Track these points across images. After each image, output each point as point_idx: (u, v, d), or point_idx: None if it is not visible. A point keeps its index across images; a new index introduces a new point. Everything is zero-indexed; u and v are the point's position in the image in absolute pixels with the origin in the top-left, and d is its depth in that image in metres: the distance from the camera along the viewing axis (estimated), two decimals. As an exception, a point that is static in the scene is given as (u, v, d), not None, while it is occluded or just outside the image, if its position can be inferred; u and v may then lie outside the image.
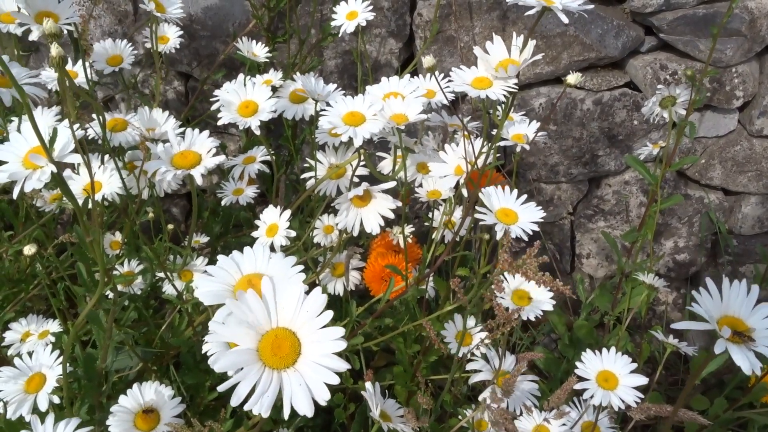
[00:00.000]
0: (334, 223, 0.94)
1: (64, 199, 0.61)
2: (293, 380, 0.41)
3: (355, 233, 0.76)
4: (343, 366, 0.40)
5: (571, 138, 1.26)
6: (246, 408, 0.38)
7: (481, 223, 0.71)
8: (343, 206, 0.76)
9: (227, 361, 0.40)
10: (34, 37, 0.76)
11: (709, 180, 1.31)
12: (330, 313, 0.42)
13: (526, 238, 0.68)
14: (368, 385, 0.69)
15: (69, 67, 1.06)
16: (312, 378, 0.40)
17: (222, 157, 0.74)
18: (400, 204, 0.77)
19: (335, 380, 0.40)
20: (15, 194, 0.55)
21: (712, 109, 1.25)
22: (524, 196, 0.74)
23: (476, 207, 0.72)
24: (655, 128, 1.25)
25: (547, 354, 1.17)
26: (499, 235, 0.69)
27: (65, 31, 0.76)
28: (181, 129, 0.84)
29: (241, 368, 0.40)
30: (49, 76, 0.97)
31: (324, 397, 0.39)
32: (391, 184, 0.76)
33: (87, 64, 0.96)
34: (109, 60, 1.06)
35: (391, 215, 0.76)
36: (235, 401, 0.39)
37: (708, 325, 0.55)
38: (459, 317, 0.89)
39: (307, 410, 0.39)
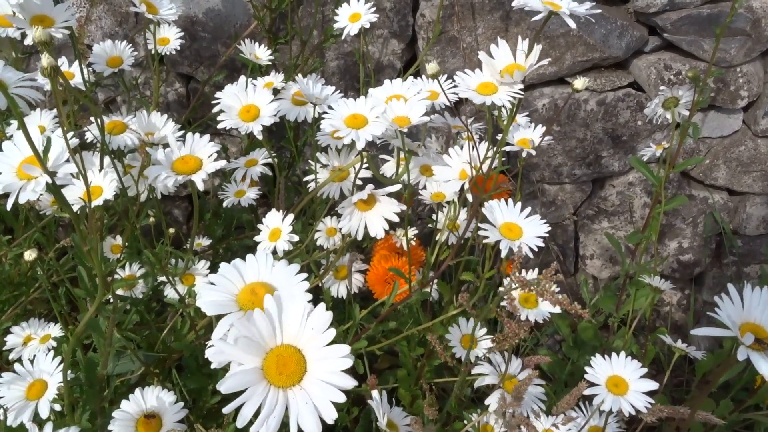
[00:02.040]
0: (338, 227, 0.93)
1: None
2: (299, 399, 0.40)
3: (359, 238, 0.74)
4: (350, 383, 0.40)
5: (575, 139, 1.25)
6: (252, 431, 0.38)
7: (485, 240, 0.70)
8: (347, 210, 0.74)
9: (233, 382, 0.39)
10: (28, 42, 0.75)
11: (713, 180, 1.30)
12: (333, 331, 0.41)
13: (531, 255, 0.67)
14: (375, 393, 0.68)
15: (68, 68, 1.05)
16: (318, 396, 0.40)
17: (223, 162, 0.73)
18: (405, 208, 0.75)
19: (342, 398, 0.39)
20: (9, 205, 0.54)
21: (716, 109, 1.24)
22: (528, 209, 0.73)
23: (479, 224, 0.70)
24: (659, 129, 1.25)
25: (552, 356, 1.17)
26: (504, 253, 0.68)
27: (65, 34, 0.75)
28: (182, 132, 0.83)
29: (246, 388, 0.40)
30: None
31: (331, 416, 0.39)
32: (396, 187, 0.74)
33: (84, 67, 0.95)
34: (108, 61, 1.05)
35: (396, 219, 0.74)
36: (240, 423, 0.38)
37: (730, 332, 0.54)
38: (463, 321, 0.88)
39: (314, 429, 0.38)
